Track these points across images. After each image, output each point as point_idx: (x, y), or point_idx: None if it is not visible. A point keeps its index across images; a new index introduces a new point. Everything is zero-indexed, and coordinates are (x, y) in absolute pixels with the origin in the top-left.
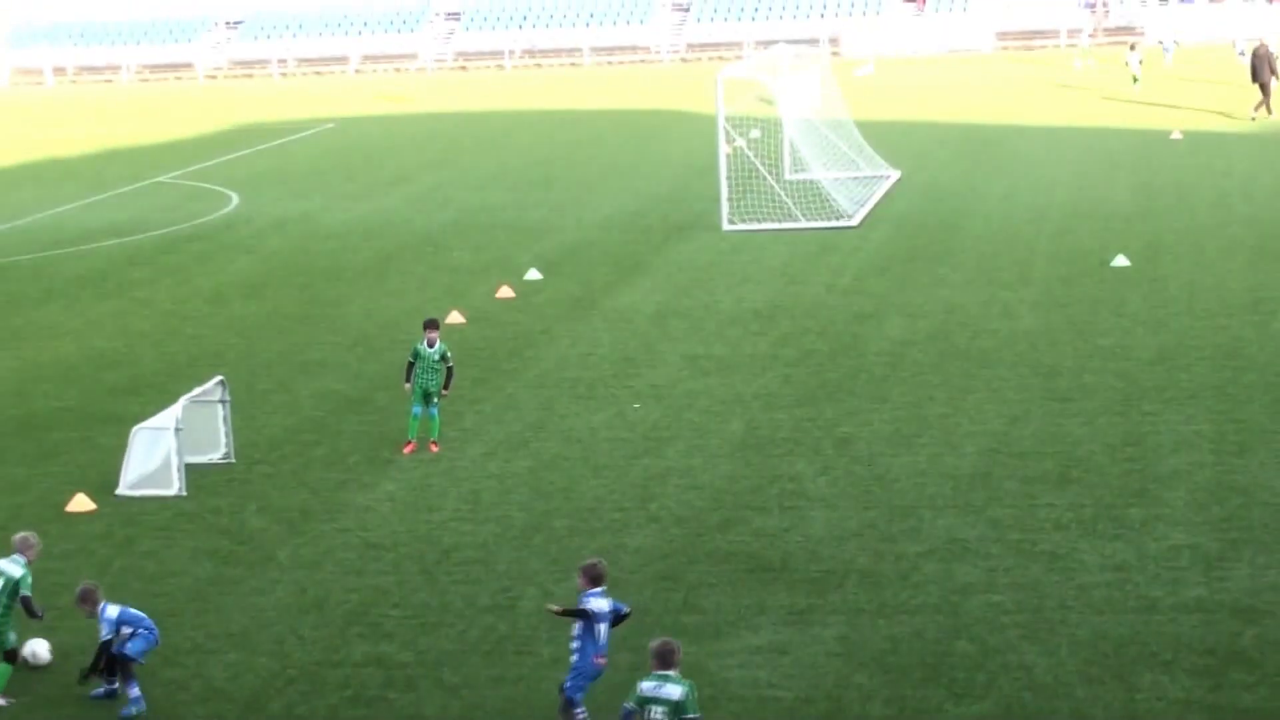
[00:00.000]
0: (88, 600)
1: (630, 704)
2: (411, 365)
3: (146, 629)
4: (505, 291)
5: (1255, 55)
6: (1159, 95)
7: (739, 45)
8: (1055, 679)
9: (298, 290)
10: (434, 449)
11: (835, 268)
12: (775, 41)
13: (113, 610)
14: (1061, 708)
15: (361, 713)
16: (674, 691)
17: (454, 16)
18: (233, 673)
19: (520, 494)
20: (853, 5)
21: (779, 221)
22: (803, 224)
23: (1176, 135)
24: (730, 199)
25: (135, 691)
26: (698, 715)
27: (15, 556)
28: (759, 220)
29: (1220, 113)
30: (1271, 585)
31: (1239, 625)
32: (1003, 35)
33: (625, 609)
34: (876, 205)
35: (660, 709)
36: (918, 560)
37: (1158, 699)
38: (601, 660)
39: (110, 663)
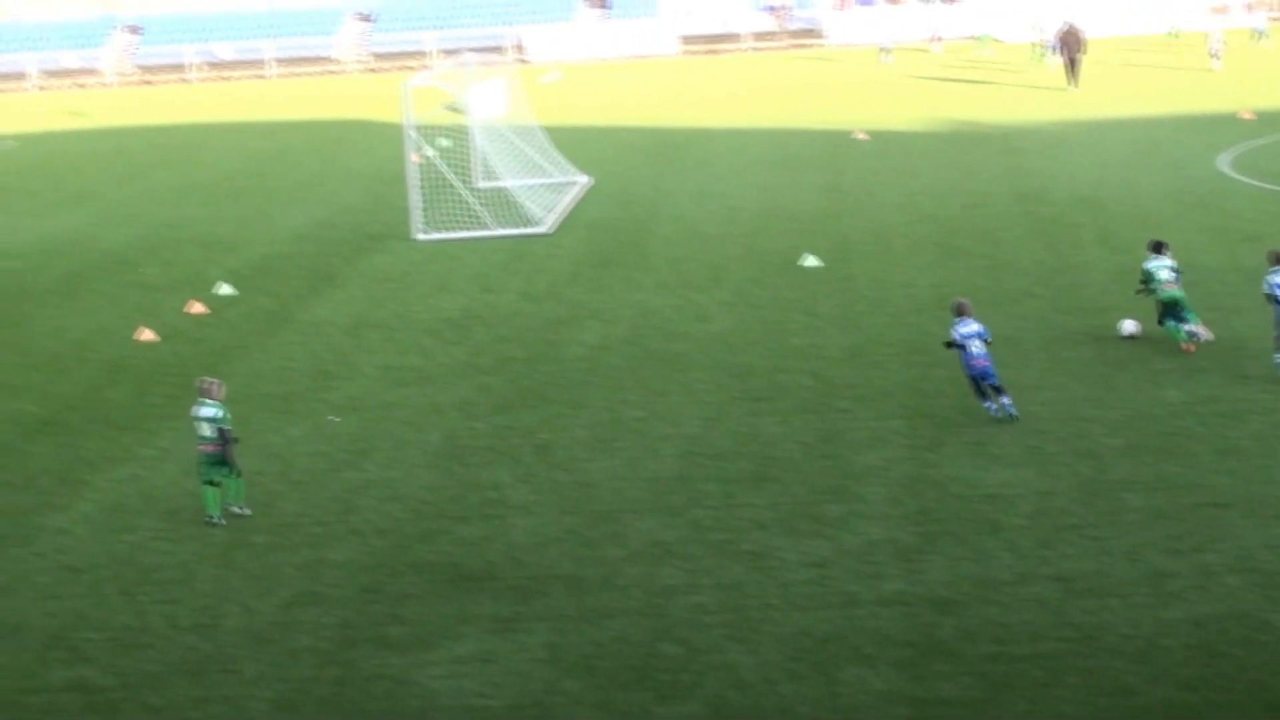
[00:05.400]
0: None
1: None
2: (1146, 283)
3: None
4: (197, 307)
5: (1064, 35)
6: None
7: (425, 54)
8: (760, 677)
9: None
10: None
11: (529, 275)
12: (461, 49)
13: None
14: (767, 705)
15: None
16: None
17: (135, 30)
18: None
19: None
20: (536, 11)
21: (471, 230)
22: (495, 232)
23: (861, 135)
24: (422, 208)
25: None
26: None
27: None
28: (451, 229)
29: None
30: (967, 576)
31: (937, 616)
32: (687, 39)
33: None
34: (568, 211)
35: None
36: (620, 564)
37: (861, 692)
38: None
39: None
